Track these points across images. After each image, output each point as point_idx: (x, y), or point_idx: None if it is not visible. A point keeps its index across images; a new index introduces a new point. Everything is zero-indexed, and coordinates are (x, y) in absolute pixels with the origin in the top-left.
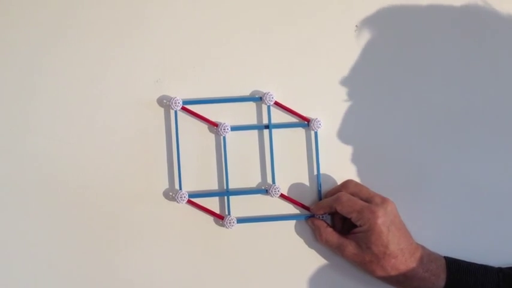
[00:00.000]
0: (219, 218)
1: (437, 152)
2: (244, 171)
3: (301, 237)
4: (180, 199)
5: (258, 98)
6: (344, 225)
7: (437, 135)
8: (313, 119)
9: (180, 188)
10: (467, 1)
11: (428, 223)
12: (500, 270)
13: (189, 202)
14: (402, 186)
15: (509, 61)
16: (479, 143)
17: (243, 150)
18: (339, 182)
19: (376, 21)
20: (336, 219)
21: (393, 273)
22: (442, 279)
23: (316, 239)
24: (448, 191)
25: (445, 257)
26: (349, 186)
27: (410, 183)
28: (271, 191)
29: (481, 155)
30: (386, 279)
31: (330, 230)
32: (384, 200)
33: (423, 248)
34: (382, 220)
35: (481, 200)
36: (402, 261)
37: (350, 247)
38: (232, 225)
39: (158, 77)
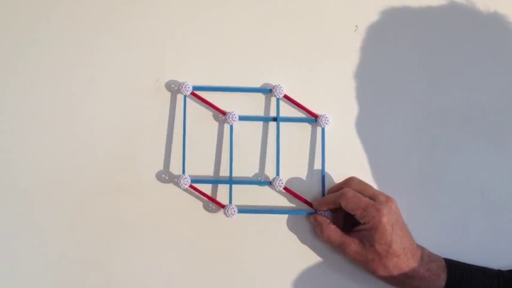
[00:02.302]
0: (220, 206)
1: (440, 153)
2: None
3: (301, 232)
4: (182, 183)
5: (268, 90)
6: (344, 224)
7: (441, 136)
8: (321, 115)
9: (184, 173)
10: (468, 2)
11: (430, 224)
12: (500, 272)
13: (192, 187)
14: (406, 186)
15: (510, 61)
16: (481, 144)
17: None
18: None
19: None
20: (338, 217)
21: (395, 272)
22: (442, 279)
23: (317, 236)
24: (450, 193)
25: (444, 258)
26: (352, 184)
27: (414, 183)
28: (275, 183)
29: (483, 156)
30: (388, 278)
31: (333, 227)
32: (388, 199)
33: (423, 248)
34: (387, 218)
35: (482, 201)
36: (404, 261)
37: (353, 245)
38: (233, 214)
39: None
